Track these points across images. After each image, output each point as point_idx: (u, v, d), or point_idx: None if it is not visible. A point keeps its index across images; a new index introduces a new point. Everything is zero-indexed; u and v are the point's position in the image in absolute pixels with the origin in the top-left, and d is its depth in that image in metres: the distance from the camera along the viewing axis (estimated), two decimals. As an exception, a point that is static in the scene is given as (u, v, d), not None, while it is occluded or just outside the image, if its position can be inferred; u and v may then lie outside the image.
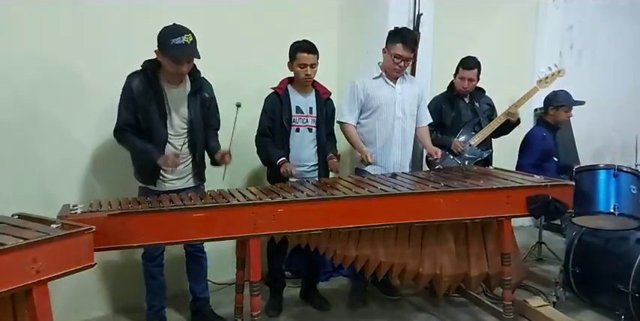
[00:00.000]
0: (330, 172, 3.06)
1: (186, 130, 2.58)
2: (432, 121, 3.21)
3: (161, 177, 2.57)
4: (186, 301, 2.96)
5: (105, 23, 2.77)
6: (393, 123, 3.00)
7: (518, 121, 3.34)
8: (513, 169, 3.18)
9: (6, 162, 2.58)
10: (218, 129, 2.74)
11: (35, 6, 2.58)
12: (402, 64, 2.93)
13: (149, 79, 2.46)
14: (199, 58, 2.40)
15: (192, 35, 2.37)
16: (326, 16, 3.70)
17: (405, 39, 2.89)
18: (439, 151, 3.03)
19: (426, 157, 3.11)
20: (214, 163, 2.64)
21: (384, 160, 3.03)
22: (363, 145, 2.98)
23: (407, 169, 3.07)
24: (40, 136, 2.68)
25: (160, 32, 2.38)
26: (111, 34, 2.78)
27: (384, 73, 3.01)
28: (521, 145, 3.63)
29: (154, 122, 2.49)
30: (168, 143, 2.54)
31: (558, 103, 3.50)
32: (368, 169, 3.02)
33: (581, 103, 3.54)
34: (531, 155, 3.48)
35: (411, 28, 3.38)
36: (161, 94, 2.48)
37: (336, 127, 3.09)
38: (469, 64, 3.29)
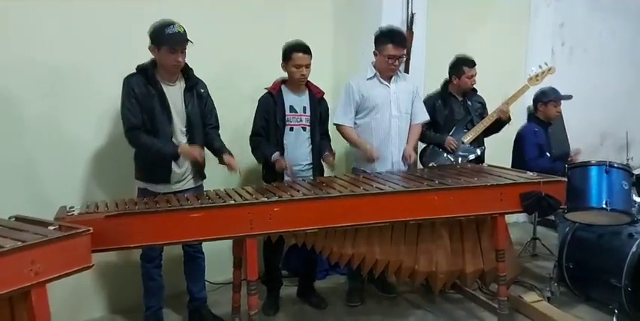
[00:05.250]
0: (325, 171, 3.08)
1: (185, 128, 2.60)
2: (428, 118, 3.21)
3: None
4: (183, 302, 2.96)
5: (101, 24, 2.77)
6: (389, 122, 3.02)
7: (508, 119, 3.37)
8: (506, 166, 3.20)
9: (1, 163, 2.57)
10: (218, 127, 2.75)
11: (30, 7, 2.57)
12: (396, 63, 2.97)
13: (148, 78, 2.49)
14: (192, 42, 2.46)
15: (182, 26, 2.45)
16: (320, 16, 3.71)
17: (393, 38, 2.92)
18: (413, 156, 3.07)
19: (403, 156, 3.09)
20: (222, 162, 2.67)
21: (380, 159, 3.03)
22: (363, 141, 3.00)
23: (404, 168, 3.09)
24: (35, 138, 2.67)
25: (151, 27, 2.45)
26: (108, 34, 2.79)
27: (377, 74, 3.03)
28: (514, 143, 3.65)
29: (159, 120, 2.51)
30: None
31: (547, 98, 3.53)
32: (366, 168, 3.04)
33: (569, 97, 3.57)
34: (530, 150, 3.47)
35: (405, 28, 3.40)
36: (162, 91, 2.51)
37: (331, 127, 3.10)
38: (471, 62, 3.34)
